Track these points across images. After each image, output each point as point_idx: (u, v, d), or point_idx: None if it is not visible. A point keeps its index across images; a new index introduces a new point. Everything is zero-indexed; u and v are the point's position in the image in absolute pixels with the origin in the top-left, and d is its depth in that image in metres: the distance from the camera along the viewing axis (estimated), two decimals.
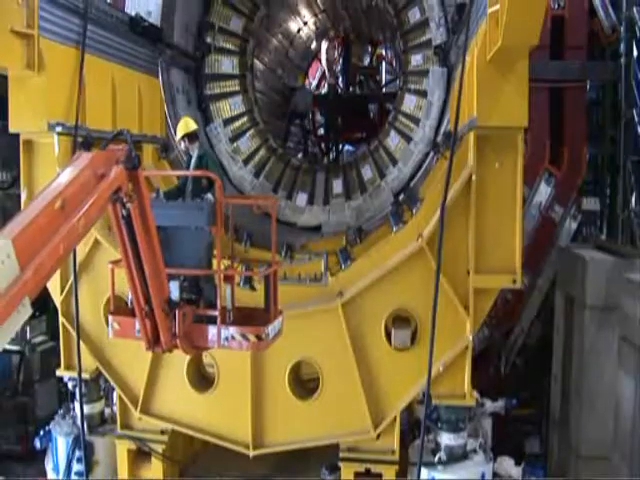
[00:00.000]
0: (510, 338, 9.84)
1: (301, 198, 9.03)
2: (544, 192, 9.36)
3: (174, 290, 5.22)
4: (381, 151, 9.13)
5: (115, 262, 5.52)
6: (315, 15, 11.59)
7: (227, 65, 9.30)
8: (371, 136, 13.78)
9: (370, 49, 14.79)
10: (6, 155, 10.73)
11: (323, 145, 12.80)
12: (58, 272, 5.90)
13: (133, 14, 7.85)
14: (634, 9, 9.09)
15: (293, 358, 5.67)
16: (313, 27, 11.91)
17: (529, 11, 4.33)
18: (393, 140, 8.98)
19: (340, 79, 13.39)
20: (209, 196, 5.76)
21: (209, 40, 9.09)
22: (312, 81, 14.83)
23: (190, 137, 6.07)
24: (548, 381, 9.43)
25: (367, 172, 9.09)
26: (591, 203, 9.45)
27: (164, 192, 6.09)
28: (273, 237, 5.56)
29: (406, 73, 9.16)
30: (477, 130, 5.18)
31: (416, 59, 9.00)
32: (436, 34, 8.51)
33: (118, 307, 5.54)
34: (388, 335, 5.68)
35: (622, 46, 9.28)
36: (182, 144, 6.16)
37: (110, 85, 6.91)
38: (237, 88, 9.42)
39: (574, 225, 9.57)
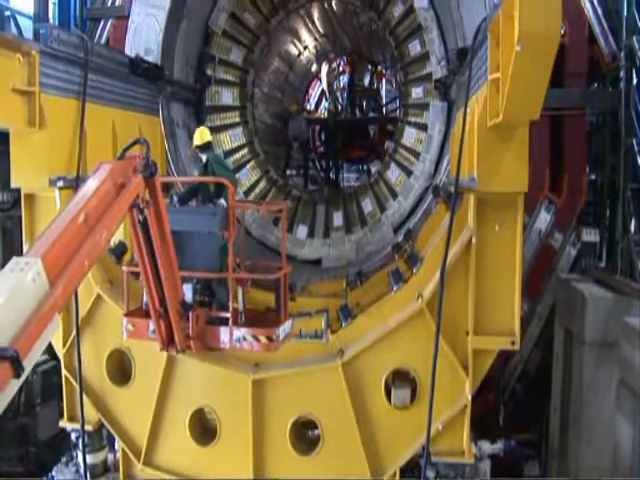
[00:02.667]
0: (509, 365, 9.90)
1: (301, 230, 9.06)
2: (544, 219, 9.37)
3: (188, 292, 5.44)
4: (381, 184, 9.15)
5: (130, 266, 5.75)
6: (315, 39, 11.56)
7: (227, 97, 9.29)
8: (371, 155, 13.86)
9: (370, 67, 14.73)
10: (7, 176, 10.76)
11: (323, 165, 12.82)
12: (61, 326, 5.95)
13: (132, 53, 7.88)
14: (634, 38, 9.07)
15: (294, 414, 5.72)
16: (313, 50, 11.89)
17: (530, 88, 4.34)
18: (393, 173, 9.00)
19: (340, 100, 13.36)
20: (222, 201, 5.94)
21: (209, 72, 9.09)
22: (311, 102, 14.79)
23: (202, 147, 6.39)
24: (547, 408, 9.50)
25: (367, 205, 9.12)
26: (590, 234, 9.47)
27: (178, 196, 6.37)
28: (283, 240, 6.01)
29: (406, 105, 9.16)
30: (477, 193, 5.20)
31: (416, 92, 9.01)
32: (437, 68, 8.50)
33: (132, 311, 5.70)
34: (388, 390, 5.73)
35: (622, 75, 9.28)
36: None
37: (111, 131, 6.92)
38: (237, 119, 9.43)
39: (574, 252, 9.58)
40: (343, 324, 5.72)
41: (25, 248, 6.03)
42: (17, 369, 2.88)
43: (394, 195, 8.80)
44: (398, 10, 8.90)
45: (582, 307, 7.82)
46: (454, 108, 8.20)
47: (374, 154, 13.47)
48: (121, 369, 6.10)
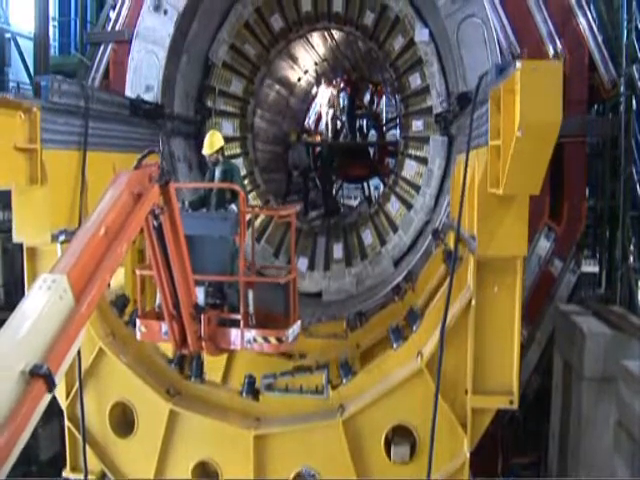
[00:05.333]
0: None
1: (302, 263, 9.10)
2: (543, 246, 9.40)
3: (200, 295, 5.63)
4: (382, 216, 9.17)
5: (142, 267, 5.95)
6: (315, 63, 11.54)
7: (228, 128, 9.29)
8: (372, 174, 13.89)
9: (370, 87, 14.69)
10: (8, 197, 10.78)
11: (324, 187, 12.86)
12: (63, 378, 6.00)
13: (133, 91, 7.89)
14: (634, 67, 9.06)
15: (295, 468, 5.79)
16: (313, 74, 11.86)
17: (531, 168, 4.38)
18: (393, 206, 9.02)
19: (339, 121, 13.36)
20: (233, 207, 6.11)
21: (209, 104, 9.09)
22: (311, 122, 14.77)
23: (214, 154, 6.53)
24: (546, 432, 9.58)
25: (367, 237, 9.14)
26: (590, 265, 9.51)
27: (189, 202, 6.54)
28: (292, 243, 6.31)
29: (407, 138, 9.16)
30: (477, 256, 5.23)
31: (417, 124, 9.01)
32: (437, 102, 8.50)
33: (145, 313, 5.92)
34: (388, 443, 5.80)
35: (622, 103, 9.27)
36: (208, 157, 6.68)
37: (111, 174, 6.90)
38: (238, 151, 9.44)
39: (573, 279, 9.63)
40: (344, 380, 5.78)
41: None
42: (50, 385, 3.04)
43: (394, 228, 8.82)
44: (399, 43, 8.88)
45: (581, 343, 7.88)
46: (454, 143, 8.22)
47: (374, 172, 13.50)
48: (124, 420, 6.16)
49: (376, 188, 16.50)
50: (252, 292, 5.71)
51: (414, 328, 5.68)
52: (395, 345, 5.65)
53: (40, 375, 2.98)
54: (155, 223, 4.76)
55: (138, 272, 5.93)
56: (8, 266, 12.21)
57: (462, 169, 5.56)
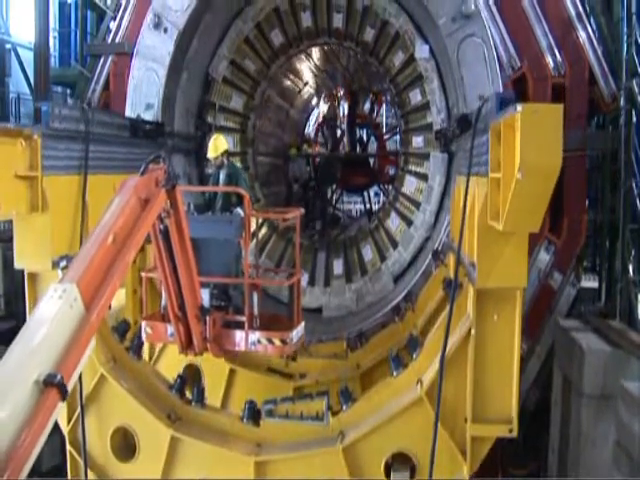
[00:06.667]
0: None
1: (302, 278, 9.10)
2: (543, 260, 9.41)
3: (205, 297, 5.73)
4: (382, 232, 9.19)
5: (148, 270, 6.05)
6: (315, 75, 11.52)
7: (228, 143, 9.27)
8: (371, 182, 13.89)
9: (370, 96, 14.67)
10: None
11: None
12: (65, 404, 6.01)
13: (133, 109, 7.89)
14: (634, 81, 9.06)
15: None
16: (314, 85, 11.85)
17: (531, 209, 4.40)
18: (393, 222, 9.04)
19: (339, 131, 13.36)
20: (238, 210, 6.18)
21: (210, 119, 9.09)
22: (311, 131, 14.78)
23: (219, 157, 6.68)
24: (546, 444, 9.61)
25: (367, 252, 9.16)
26: (590, 281, 9.53)
27: (195, 205, 6.67)
28: (297, 246, 6.43)
29: (407, 154, 9.16)
30: (477, 286, 5.25)
31: (417, 141, 9.01)
32: (437, 118, 8.51)
33: (151, 315, 6.04)
34: (387, 468, 5.82)
35: (622, 117, 9.27)
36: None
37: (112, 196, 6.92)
38: (238, 165, 9.41)
39: (573, 292, 9.66)
40: (344, 407, 5.80)
41: None
42: (63, 393, 3.11)
43: (394, 244, 8.83)
44: (399, 59, 8.88)
45: (580, 359, 7.90)
46: (455, 159, 8.22)
47: (374, 181, 13.51)
48: (125, 444, 6.18)
49: (376, 194, 16.54)
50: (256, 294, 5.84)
51: (414, 356, 5.70)
52: (395, 373, 5.67)
53: (54, 384, 3.05)
54: (161, 227, 4.83)
55: (144, 275, 6.03)
56: (9, 275, 12.22)
57: (462, 195, 5.56)
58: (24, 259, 5.91)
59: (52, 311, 3.32)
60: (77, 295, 3.40)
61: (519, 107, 3.94)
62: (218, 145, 6.69)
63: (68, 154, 6.17)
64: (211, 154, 6.71)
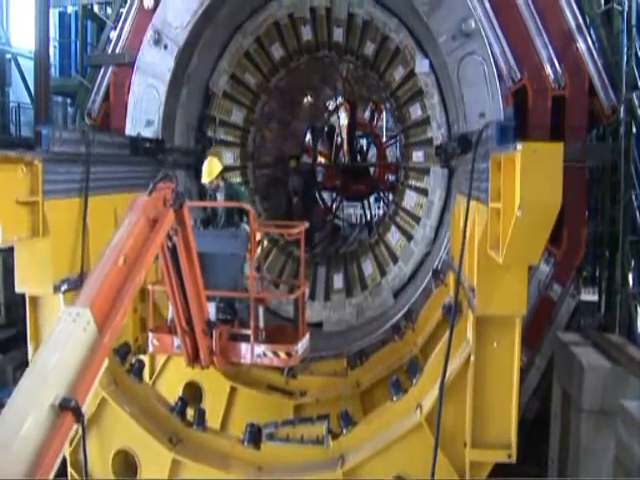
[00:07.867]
0: None
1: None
2: (543, 271, 9.42)
3: (211, 311, 5.83)
4: (382, 246, 9.19)
5: (155, 283, 6.13)
6: (315, 86, 11.50)
7: (228, 157, 9.32)
8: (372, 191, 13.90)
9: (370, 105, 14.66)
10: None
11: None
12: None
13: (133, 126, 7.89)
14: (634, 93, 9.05)
15: None
16: (314, 95, 11.84)
17: (530, 244, 4.41)
18: (394, 236, 9.04)
19: (339, 141, 13.36)
20: (244, 225, 6.26)
21: (210, 133, 9.09)
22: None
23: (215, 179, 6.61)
24: (546, 454, 9.65)
25: (367, 267, 9.17)
26: (589, 294, 9.55)
27: (201, 219, 6.76)
28: (302, 259, 6.50)
29: (407, 168, 9.17)
30: (476, 313, 5.27)
31: (417, 155, 9.01)
32: (437, 134, 8.51)
33: (157, 327, 6.18)
34: None
35: (622, 129, 9.27)
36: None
37: (113, 217, 6.93)
38: (238, 179, 9.45)
39: (573, 304, 9.67)
40: (344, 430, 5.83)
41: (30, 349, 6.10)
42: (78, 416, 3.18)
43: (394, 259, 8.84)
44: (399, 73, 8.87)
45: (580, 375, 7.92)
46: (455, 174, 8.22)
47: (374, 189, 13.52)
48: (126, 465, 6.21)
49: (377, 200, 16.55)
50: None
51: (414, 381, 5.73)
52: (395, 398, 5.70)
53: (69, 408, 3.13)
54: (169, 244, 4.89)
55: (150, 288, 6.13)
56: (10, 284, 12.22)
57: (462, 215, 5.57)
58: (25, 283, 5.94)
59: (66, 335, 3.42)
60: (90, 318, 3.48)
61: (519, 146, 3.95)
62: (212, 169, 6.54)
63: (69, 177, 6.19)
64: (205, 179, 6.55)
